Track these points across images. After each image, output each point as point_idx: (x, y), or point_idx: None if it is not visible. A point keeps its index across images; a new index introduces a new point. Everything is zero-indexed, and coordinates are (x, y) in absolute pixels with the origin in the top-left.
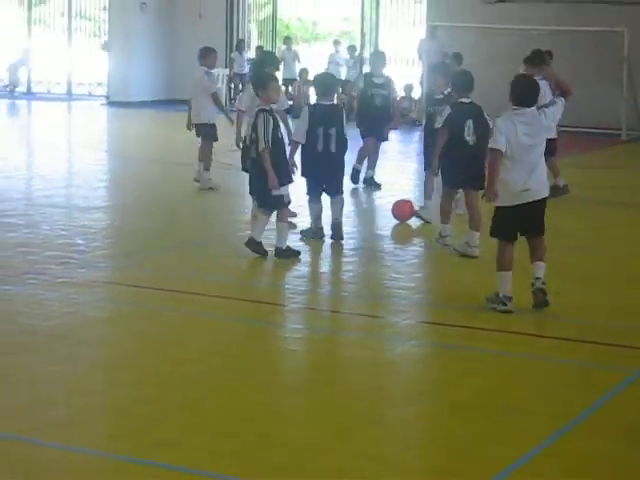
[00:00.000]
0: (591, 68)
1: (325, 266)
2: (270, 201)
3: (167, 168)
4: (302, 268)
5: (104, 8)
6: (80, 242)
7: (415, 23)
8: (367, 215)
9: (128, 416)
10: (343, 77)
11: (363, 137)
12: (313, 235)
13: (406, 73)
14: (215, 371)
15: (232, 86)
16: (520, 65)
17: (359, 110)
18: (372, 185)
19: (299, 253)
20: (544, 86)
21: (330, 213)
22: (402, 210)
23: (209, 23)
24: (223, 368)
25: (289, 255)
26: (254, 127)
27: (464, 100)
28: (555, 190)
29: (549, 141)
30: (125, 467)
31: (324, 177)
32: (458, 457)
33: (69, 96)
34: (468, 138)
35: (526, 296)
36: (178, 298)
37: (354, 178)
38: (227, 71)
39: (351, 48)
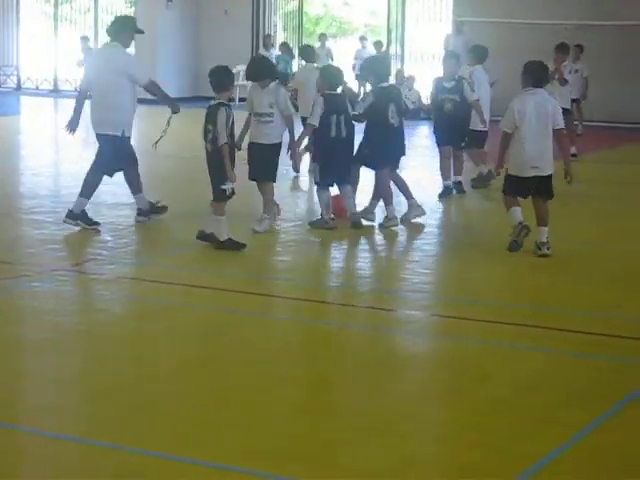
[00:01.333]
0: (618, 62)
1: (358, 260)
2: (216, 194)
3: (194, 164)
4: (331, 262)
5: (130, 5)
6: (108, 238)
7: (442, 19)
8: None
9: (159, 413)
10: None
11: (438, 145)
12: (323, 225)
13: (432, 69)
14: (248, 367)
15: None
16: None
17: (434, 117)
18: (459, 191)
19: (244, 246)
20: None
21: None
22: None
23: (235, 19)
24: (256, 363)
25: (231, 247)
26: (213, 121)
27: (384, 85)
28: (479, 179)
29: (479, 132)
30: (160, 464)
31: (340, 164)
32: (490, 452)
33: None
34: (392, 120)
35: (554, 292)
36: (207, 294)
37: (444, 194)
38: None
39: (377, 44)
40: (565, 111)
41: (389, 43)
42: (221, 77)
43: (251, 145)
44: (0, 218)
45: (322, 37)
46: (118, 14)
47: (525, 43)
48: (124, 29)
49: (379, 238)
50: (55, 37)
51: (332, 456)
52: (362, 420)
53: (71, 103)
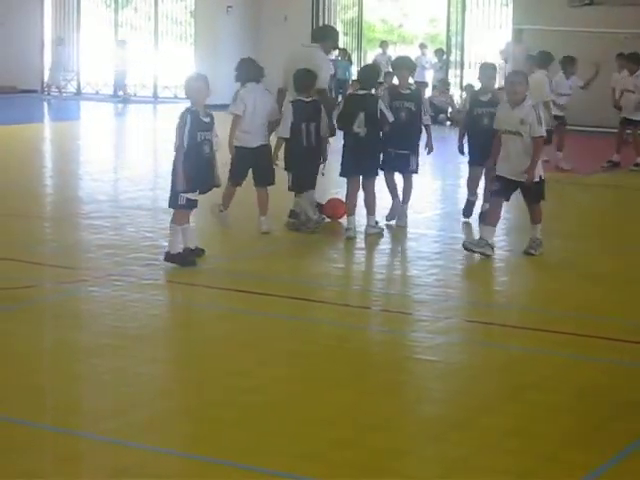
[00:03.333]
0: None
1: (392, 266)
2: (171, 200)
3: None
4: (372, 268)
5: (190, 12)
6: (165, 244)
7: (501, 26)
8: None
9: (213, 418)
10: (429, 81)
11: (469, 164)
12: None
13: None
14: (298, 372)
15: None
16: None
17: (467, 133)
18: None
19: (193, 263)
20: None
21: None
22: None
23: (294, 25)
24: (307, 369)
25: (177, 261)
26: (177, 126)
27: (359, 92)
28: None
29: None
30: (208, 469)
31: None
32: (540, 460)
33: (155, 99)
34: (358, 130)
35: (586, 299)
36: (262, 300)
37: (467, 211)
38: None
39: (439, 51)
40: (631, 122)
41: (449, 50)
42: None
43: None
44: (59, 223)
45: (383, 44)
46: (178, 20)
47: (585, 52)
48: (329, 37)
49: (413, 245)
50: (115, 43)
51: (384, 463)
52: (412, 427)
53: (133, 108)
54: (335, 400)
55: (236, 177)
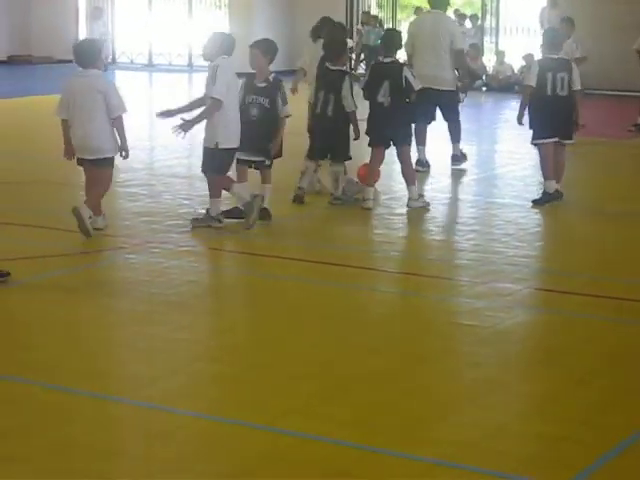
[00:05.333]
0: None
1: (440, 234)
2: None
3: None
4: (424, 235)
5: None
6: (202, 211)
7: None
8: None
9: (247, 382)
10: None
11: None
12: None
13: (527, 43)
14: (333, 339)
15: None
16: None
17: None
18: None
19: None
20: None
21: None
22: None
23: None
24: (342, 335)
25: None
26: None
27: (384, 60)
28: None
29: None
30: (247, 432)
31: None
32: (580, 424)
33: (190, 68)
34: (382, 99)
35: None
36: (299, 266)
37: (542, 200)
38: (351, 42)
39: (474, 17)
40: None
41: (484, 16)
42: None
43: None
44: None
45: (417, 10)
46: None
47: (622, 17)
48: (447, 2)
49: (466, 214)
50: (149, 11)
51: (423, 428)
52: (449, 393)
53: (165, 77)
54: (372, 365)
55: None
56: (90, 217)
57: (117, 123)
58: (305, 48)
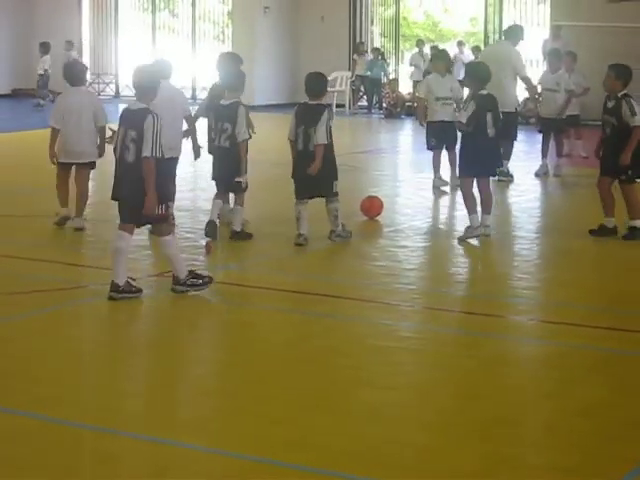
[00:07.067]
0: None
1: (448, 265)
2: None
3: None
4: (421, 268)
5: (228, 13)
6: (204, 244)
7: (539, 23)
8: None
9: (255, 415)
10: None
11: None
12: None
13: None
14: (335, 370)
15: (354, 88)
16: None
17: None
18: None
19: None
20: None
21: None
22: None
23: (332, 25)
24: (345, 367)
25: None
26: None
27: (482, 92)
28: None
29: None
30: (255, 467)
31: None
32: (584, 456)
33: (194, 100)
34: (489, 131)
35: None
36: (296, 298)
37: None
38: (349, 74)
39: (475, 49)
40: None
41: (486, 46)
42: (315, 83)
43: None
44: (98, 225)
45: (419, 42)
46: (216, 22)
47: (625, 47)
48: (518, 34)
49: (474, 245)
50: (153, 45)
51: (422, 460)
52: (457, 424)
53: None
54: (367, 400)
55: None
56: (72, 219)
57: (102, 131)
58: None
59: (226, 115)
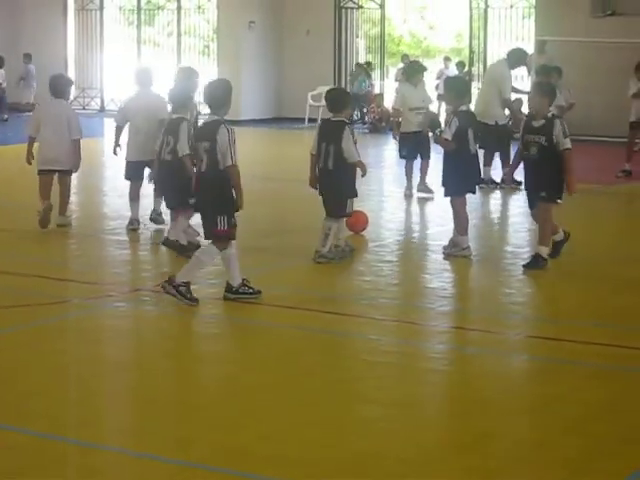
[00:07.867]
0: None
1: (433, 280)
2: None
3: (281, 186)
4: (414, 283)
5: (213, 28)
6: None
7: (523, 38)
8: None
9: (244, 430)
10: None
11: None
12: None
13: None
14: (328, 385)
15: None
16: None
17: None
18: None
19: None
20: None
21: None
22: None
23: (317, 40)
24: (336, 382)
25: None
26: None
27: (462, 109)
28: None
29: None
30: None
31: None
32: (572, 472)
33: None
34: (471, 147)
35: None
36: (293, 314)
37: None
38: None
39: (460, 64)
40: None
41: (471, 63)
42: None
43: None
44: (85, 239)
45: (404, 57)
46: (201, 36)
47: (609, 62)
48: (518, 57)
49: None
50: (138, 60)
51: (410, 474)
52: (439, 439)
53: None
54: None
55: None
56: (57, 217)
57: (77, 144)
58: None
59: (170, 129)
